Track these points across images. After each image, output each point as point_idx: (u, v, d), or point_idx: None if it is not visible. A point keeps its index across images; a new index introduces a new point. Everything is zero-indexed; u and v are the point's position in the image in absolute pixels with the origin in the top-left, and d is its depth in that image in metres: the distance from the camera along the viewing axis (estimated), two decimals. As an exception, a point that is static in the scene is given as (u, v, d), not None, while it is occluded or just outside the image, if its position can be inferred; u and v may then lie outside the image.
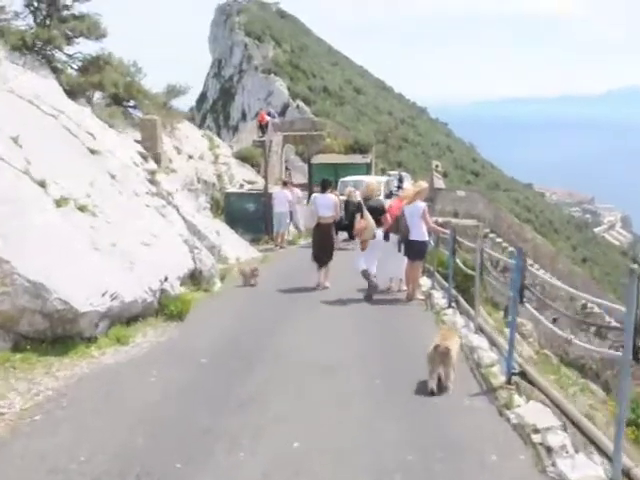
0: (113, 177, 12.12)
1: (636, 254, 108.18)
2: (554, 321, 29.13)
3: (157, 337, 9.36)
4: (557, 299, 30.23)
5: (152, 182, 14.11)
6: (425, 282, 14.75)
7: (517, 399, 7.09)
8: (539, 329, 22.27)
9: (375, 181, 16.25)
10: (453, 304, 12.11)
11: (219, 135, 65.70)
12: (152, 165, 15.82)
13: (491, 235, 34.21)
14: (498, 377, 7.86)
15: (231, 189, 24.43)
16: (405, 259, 12.90)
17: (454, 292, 12.39)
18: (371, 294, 12.69)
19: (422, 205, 12.50)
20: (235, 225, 21.43)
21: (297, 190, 23.42)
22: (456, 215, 34.01)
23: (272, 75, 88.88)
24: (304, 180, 41.20)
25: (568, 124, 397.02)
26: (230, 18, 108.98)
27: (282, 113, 71.96)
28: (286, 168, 45.07)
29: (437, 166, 42.02)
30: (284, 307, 11.86)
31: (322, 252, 13.62)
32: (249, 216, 22.18)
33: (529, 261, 34.44)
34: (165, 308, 10.23)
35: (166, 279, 10.42)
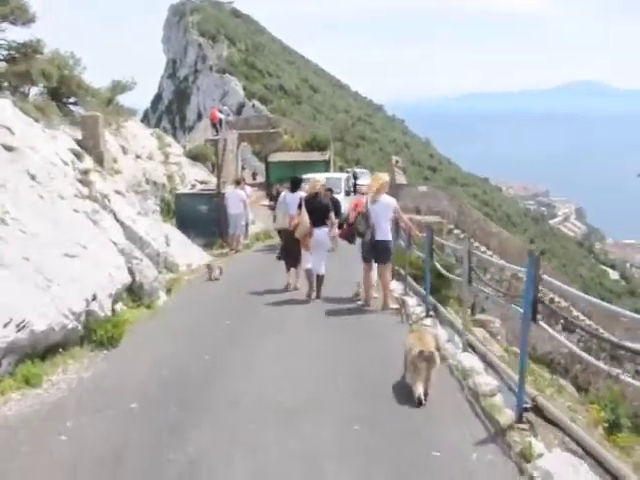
0: (33, 177, 10.19)
1: (592, 244, 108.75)
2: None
3: (80, 373, 7.46)
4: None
5: (84, 183, 12.18)
6: (396, 287, 13.08)
7: (536, 445, 5.41)
8: (506, 325, 21.08)
9: (322, 178, 14.65)
10: (431, 312, 10.42)
11: (175, 137, 63.57)
12: (86, 164, 13.89)
13: (455, 231, 32.78)
14: (504, 412, 6.20)
15: (182, 190, 22.38)
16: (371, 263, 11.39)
17: (432, 300, 10.72)
18: (310, 295, 11.93)
19: (393, 201, 11.12)
20: (187, 228, 19.47)
21: (247, 188, 21.57)
22: (418, 212, 32.52)
23: (227, 75, 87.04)
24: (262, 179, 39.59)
25: (525, 117, 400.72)
26: (183, 18, 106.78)
27: (238, 112, 70.22)
28: (242, 167, 43.29)
29: (397, 162, 40.55)
30: (239, 323, 10.01)
31: (291, 252, 12.59)
32: (201, 218, 20.12)
33: (494, 256, 33.19)
34: (93, 334, 8.34)
35: (94, 298, 8.53)
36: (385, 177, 11.52)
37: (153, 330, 9.51)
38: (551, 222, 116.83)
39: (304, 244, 11.93)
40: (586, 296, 6.95)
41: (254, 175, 44.87)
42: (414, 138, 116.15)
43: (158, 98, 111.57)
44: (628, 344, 6.38)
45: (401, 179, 35.86)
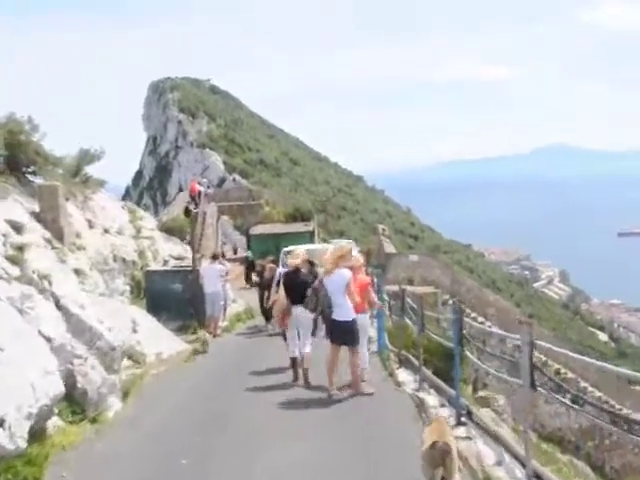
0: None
1: (577, 306, 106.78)
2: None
3: None
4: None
5: (15, 261, 9.63)
6: (405, 379, 10.54)
7: None
8: (511, 401, 19.47)
9: (303, 250, 12.83)
10: (464, 419, 7.81)
11: (156, 213, 61.40)
12: (27, 239, 11.40)
13: (450, 302, 30.30)
14: None
15: (153, 266, 19.67)
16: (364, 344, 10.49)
17: (466, 402, 8.14)
18: (296, 380, 10.51)
19: (347, 275, 9.56)
20: (158, 310, 16.80)
21: (226, 262, 19.11)
22: (411, 282, 30.14)
23: (207, 150, 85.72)
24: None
25: (500, 183, 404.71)
26: (163, 95, 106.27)
27: (219, 187, 68.44)
28: (223, 242, 40.96)
29: (384, 230, 38.39)
30: (208, 444, 7.38)
31: None
32: (175, 299, 17.36)
33: (493, 327, 30.75)
34: (-5, 479, 5.70)
35: (0, 424, 5.90)
36: (347, 248, 10.27)
37: (91, 462, 6.79)
38: (535, 285, 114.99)
39: (281, 323, 10.86)
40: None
41: (235, 250, 42.44)
42: (395, 207, 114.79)
43: (139, 175, 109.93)
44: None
45: (390, 248, 33.65)
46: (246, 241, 37.46)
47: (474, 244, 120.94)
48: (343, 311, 9.42)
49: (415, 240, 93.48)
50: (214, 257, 17.82)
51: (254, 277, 19.33)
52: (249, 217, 38.49)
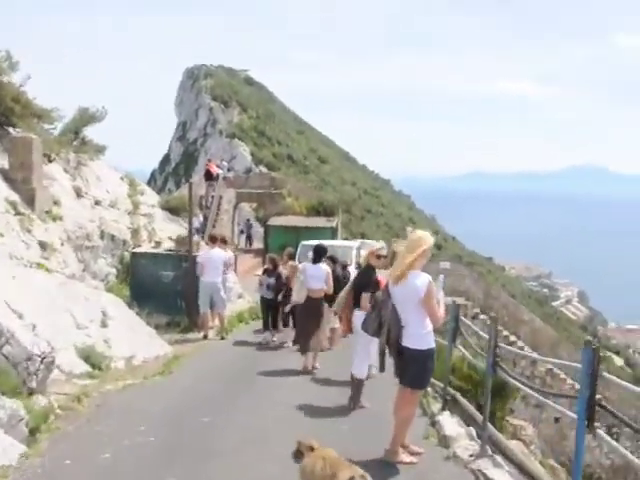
0: None
1: (595, 328, 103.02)
2: (556, 421, 22.72)
3: None
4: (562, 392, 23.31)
5: None
6: (454, 432, 7.02)
7: None
8: (538, 430, 16.16)
9: (379, 245, 10.89)
10: None
11: (179, 198, 58.39)
12: None
13: (482, 316, 26.73)
14: None
15: (142, 248, 16.07)
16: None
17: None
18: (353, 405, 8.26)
19: (425, 280, 5.92)
20: (143, 301, 13.44)
21: (230, 252, 15.39)
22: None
23: (236, 140, 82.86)
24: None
25: (526, 199, 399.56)
26: (197, 82, 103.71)
27: (247, 173, 65.57)
28: (241, 231, 37.68)
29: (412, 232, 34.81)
30: None
31: (307, 332, 10.44)
32: (163, 288, 13.92)
33: (525, 348, 27.22)
34: None
35: None
36: (427, 239, 6.13)
37: None
38: (553, 304, 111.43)
39: (346, 329, 9.03)
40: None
41: (250, 241, 38.96)
42: (420, 214, 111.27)
43: (166, 159, 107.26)
44: None
45: (418, 252, 30.11)
46: (264, 232, 34.13)
47: (495, 257, 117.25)
48: (413, 334, 5.99)
49: (438, 249, 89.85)
50: (212, 239, 14.03)
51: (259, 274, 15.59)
52: (270, 207, 35.11)
